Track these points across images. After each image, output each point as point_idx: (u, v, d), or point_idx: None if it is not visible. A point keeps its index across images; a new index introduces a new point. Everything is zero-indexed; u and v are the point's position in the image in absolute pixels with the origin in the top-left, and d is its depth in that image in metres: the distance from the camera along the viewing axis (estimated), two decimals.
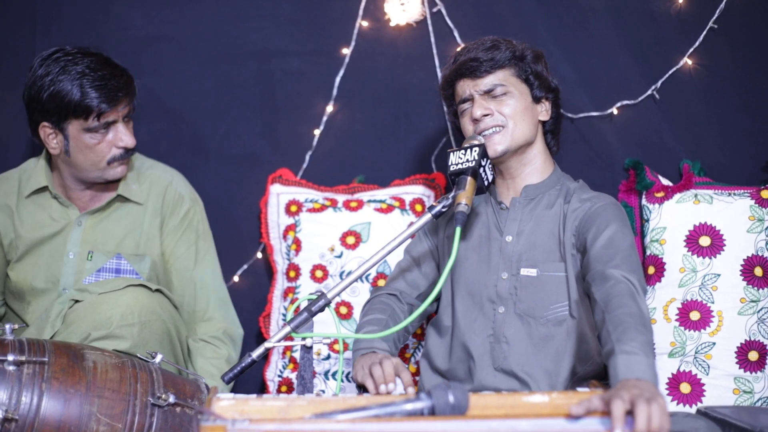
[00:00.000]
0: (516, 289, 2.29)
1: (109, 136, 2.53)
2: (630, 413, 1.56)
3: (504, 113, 2.31)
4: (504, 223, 2.35)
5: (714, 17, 2.79)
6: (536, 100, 2.38)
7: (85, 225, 2.61)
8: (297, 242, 2.86)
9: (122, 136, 2.54)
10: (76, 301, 2.40)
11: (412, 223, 2.22)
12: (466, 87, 2.35)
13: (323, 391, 2.76)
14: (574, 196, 2.34)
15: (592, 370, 2.28)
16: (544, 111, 2.40)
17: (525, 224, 2.33)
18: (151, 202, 2.66)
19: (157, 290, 2.44)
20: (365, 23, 2.95)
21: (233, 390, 2.73)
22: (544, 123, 2.42)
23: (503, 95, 2.32)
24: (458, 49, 2.50)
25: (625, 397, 1.57)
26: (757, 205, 2.62)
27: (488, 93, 2.33)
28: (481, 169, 2.14)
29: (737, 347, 2.55)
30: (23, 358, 1.95)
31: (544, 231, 2.32)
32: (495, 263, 2.33)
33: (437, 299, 2.44)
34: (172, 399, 2.01)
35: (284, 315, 2.87)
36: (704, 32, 2.80)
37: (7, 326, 2.05)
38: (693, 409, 2.49)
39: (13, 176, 2.68)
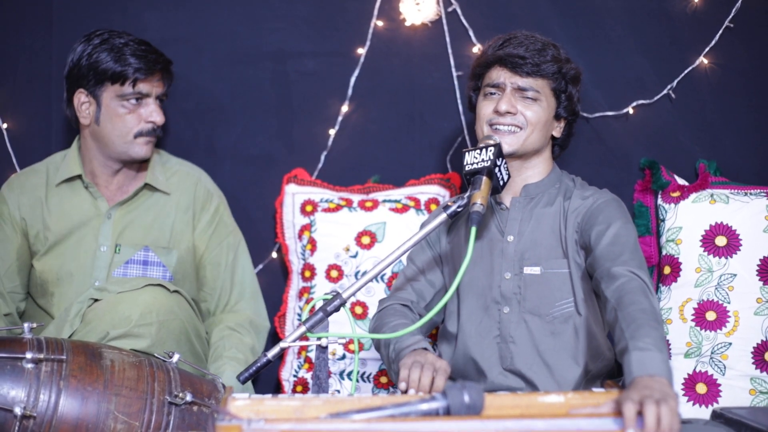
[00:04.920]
0: (520, 288, 2.29)
1: (140, 109, 2.60)
2: (640, 414, 1.56)
3: (526, 117, 2.32)
4: (505, 224, 2.35)
5: (730, 16, 2.79)
6: (557, 117, 2.40)
7: (115, 217, 2.64)
8: (312, 242, 2.87)
9: (152, 112, 2.61)
10: (95, 300, 2.42)
11: (426, 223, 2.21)
12: (502, 75, 2.35)
13: (338, 391, 2.76)
14: (574, 194, 2.34)
15: (604, 367, 2.28)
16: (558, 128, 2.42)
17: (525, 224, 2.34)
18: (180, 196, 2.70)
19: (175, 291, 2.45)
20: (380, 23, 2.95)
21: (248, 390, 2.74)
22: (553, 137, 2.43)
23: (533, 100, 2.33)
24: (500, 38, 2.41)
25: (635, 398, 1.58)
26: None
27: (521, 91, 2.33)
28: (497, 169, 2.14)
29: (753, 347, 2.54)
30: (41, 356, 1.97)
31: (545, 229, 2.32)
32: (497, 264, 2.33)
33: (444, 307, 2.43)
34: (189, 398, 2.02)
35: (299, 315, 2.87)
36: (720, 31, 2.80)
37: (26, 325, 2.07)
38: (708, 410, 2.49)
39: (41, 168, 2.72)
